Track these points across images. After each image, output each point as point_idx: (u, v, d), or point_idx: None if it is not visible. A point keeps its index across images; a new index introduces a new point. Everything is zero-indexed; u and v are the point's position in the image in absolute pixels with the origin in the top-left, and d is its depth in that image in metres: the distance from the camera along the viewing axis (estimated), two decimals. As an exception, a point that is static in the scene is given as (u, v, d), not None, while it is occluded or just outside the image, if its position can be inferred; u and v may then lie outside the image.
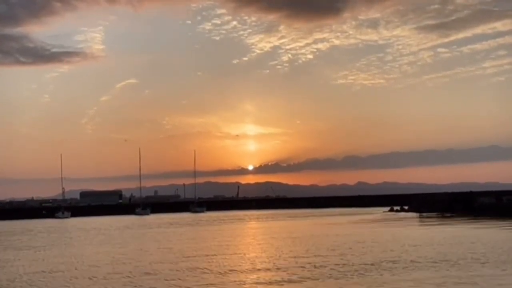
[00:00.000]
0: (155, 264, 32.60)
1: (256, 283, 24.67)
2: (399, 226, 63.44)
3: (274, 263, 30.85)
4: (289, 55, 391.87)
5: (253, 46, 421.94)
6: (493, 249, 33.92)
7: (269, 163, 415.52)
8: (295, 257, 33.43)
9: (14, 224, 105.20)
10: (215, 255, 36.35)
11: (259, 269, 28.80)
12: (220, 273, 27.64)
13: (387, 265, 28.25)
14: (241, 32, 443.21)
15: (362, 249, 37.02)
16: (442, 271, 25.76)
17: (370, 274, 25.71)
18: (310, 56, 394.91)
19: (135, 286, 24.91)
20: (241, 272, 27.93)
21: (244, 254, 36.89)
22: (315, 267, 28.65)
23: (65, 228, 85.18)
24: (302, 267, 28.80)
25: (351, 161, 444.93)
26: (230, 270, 28.61)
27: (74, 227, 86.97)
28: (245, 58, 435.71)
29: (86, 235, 66.00)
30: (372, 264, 28.71)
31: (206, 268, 29.63)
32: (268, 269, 28.64)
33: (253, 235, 57.54)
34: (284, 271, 27.66)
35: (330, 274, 26.05)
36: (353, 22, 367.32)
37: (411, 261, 29.59)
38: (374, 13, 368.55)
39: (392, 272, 25.93)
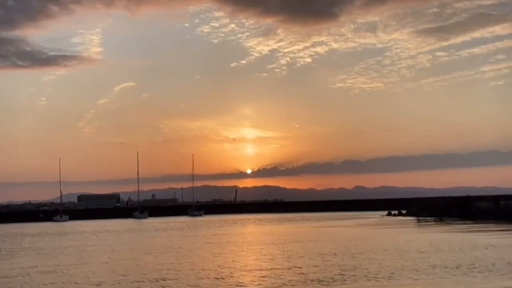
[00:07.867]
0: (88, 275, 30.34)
1: None
2: (395, 231, 63.04)
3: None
4: (287, 59, 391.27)
5: (251, 49, 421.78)
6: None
7: (267, 167, 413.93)
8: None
9: (9, 228, 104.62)
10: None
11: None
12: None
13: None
14: (239, 35, 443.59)
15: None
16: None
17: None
18: (308, 60, 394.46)
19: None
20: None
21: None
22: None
23: (40, 232, 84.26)
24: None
25: (349, 165, 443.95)
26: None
27: (55, 232, 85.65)
28: (243, 62, 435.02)
29: (61, 240, 64.84)
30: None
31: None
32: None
33: (241, 240, 56.84)
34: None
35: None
36: (352, 26, 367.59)
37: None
38: (372, 17, 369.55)
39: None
